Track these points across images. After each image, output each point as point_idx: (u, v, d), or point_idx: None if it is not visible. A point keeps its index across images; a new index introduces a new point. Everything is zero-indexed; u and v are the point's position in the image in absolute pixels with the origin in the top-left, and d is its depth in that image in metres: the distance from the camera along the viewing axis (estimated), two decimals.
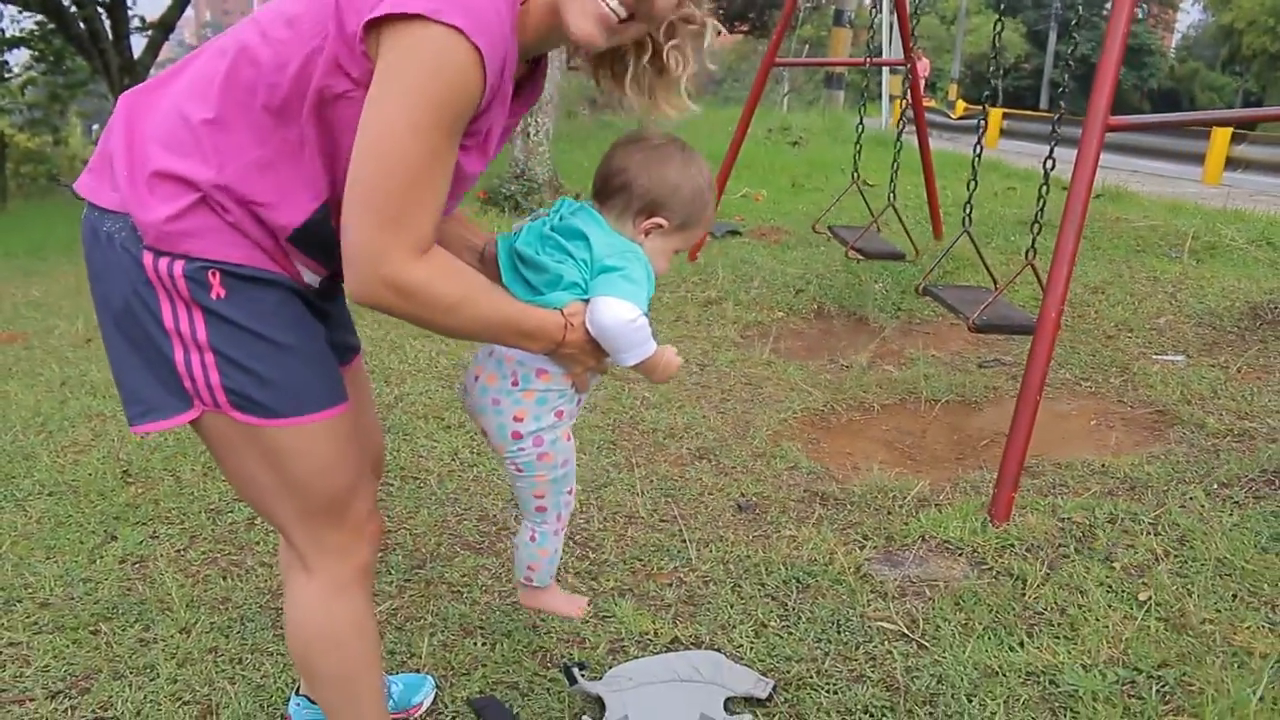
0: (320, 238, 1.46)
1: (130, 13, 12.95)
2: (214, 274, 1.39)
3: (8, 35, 14.83)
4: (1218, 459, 3.49)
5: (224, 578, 2.79)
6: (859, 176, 5.49)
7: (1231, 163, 10.42)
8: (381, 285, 1.35)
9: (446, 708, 2.20)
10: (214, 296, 1.40)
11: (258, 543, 3.00)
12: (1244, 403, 4.07)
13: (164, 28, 12.74)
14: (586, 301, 1.58)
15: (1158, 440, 3.86)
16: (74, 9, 11.95)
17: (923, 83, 5.83)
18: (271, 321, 1.46)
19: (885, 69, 14.74)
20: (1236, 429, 3.81)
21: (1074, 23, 4.11)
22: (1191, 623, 2.36)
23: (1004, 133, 15.28)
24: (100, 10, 12.22)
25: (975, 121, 4.43)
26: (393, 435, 3.77)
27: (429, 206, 1.36)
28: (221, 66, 1.39)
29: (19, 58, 16.18)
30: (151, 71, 12.92)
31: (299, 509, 1.58)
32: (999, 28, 4.24)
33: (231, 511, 3.19)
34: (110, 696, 2.26)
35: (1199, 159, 10.77)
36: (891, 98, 18.38)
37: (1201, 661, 2.19)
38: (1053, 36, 44.91)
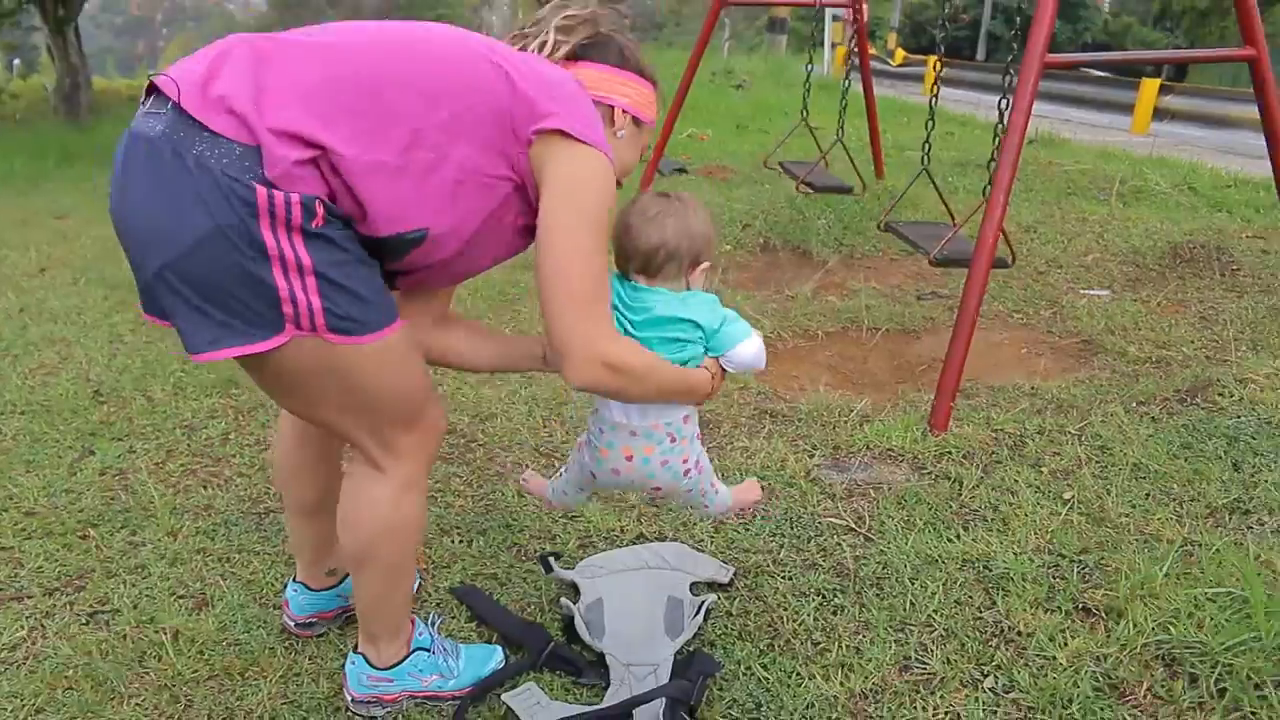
0: (395, 251, 1.62)
1: None
2: (319, 204, 1.49)
3: None
4: (1137, 382, 3.75)
5: (204, 487, 2.91)
6: (807, 115, 5.65)
7: (1159, 113, 10.78)
8: (597, 363, 1.62)
9: (430, 596, 2.36)
10: (315, 225, 1.49)
11: (234, 456, 3.11)
12: (1162, 333, 4.33)
13: None
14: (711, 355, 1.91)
15: (1083, 366, 4.12)
16: None
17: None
18: (356, 246, 1.57)
19: (829, 17, 14.84)
20: (1155, 356, 4.07)
21: None
22: (1110, 516, 2.60)
23: (942, 80, 15.48)
24: None
25: (920, 70, 4.60)
26: None
27: (608, 294, 1.68)
28: (389, 92, 1.54)
29: None
30: (94, 6, 12.62)
31: (376, 419, 1.71)
32: None
33: (205, 428, 3.29)
34: (106, 592, 2.39)
35: (1128, 109, 11.12)
36: (834, 45, 18.53)
37: (1117, 547, 2.43)
38: None
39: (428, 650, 1.98)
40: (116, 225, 1.58)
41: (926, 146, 4.46)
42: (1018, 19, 3.56)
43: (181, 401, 3.49)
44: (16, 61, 30.52)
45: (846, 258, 5.66)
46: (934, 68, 4.68)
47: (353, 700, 1.95)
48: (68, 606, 2.34)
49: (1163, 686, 1.94)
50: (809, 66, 5.67)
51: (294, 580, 2.19)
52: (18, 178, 8.53)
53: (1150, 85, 10.84)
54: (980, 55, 38.62)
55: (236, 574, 2.46)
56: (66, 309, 4.49)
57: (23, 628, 2.25)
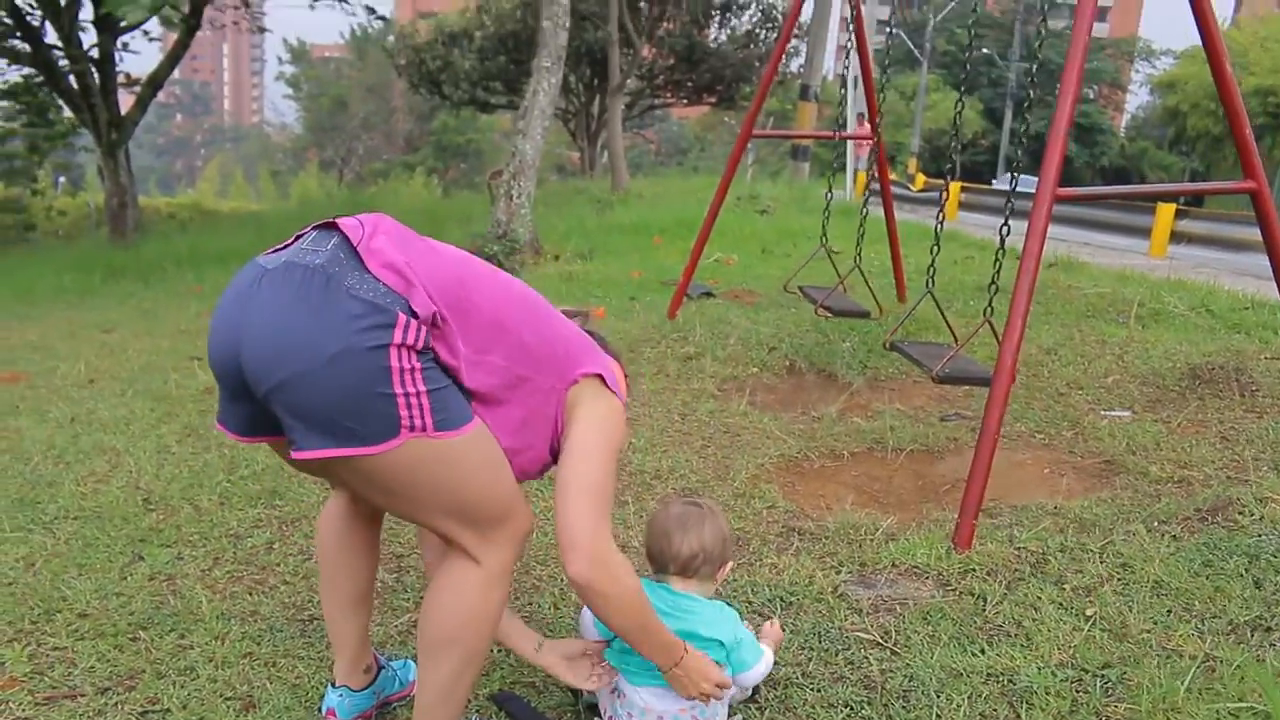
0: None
1: (116, 69, 13.25)
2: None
3: None
4: (1158, 501, 3.81)
5: (250, 594, 3.01)
6: (826, 241, 5.85)
7: (1176, 236, 11.00)
8: (595, 560, 1.83)
9: (470, 703, 2.43)
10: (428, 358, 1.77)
11: (278, 564, 3.22)
12: (1183, 453, 4.40)
13: (153, 85, 13.04)
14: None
15: (1105, 486, 4.18)
16: (65, 64, 12.22)
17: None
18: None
19: (850, 143, 15.29)
20: (1176, 476, 4.13)
21: (1027, 104, 4.47)
22: (1131, 632, 2.65)
23: (962, 205, 15.91)
24: (90, 66, 12.49)
25: (936, 194, 4.83)
26: None
27: (610, 510, 1.94)
28: (505, 325, 1.91)
29: None
30: (138, 129, 13.27)
31: (474, 512, 1.90)
32: (960, 107, 4.63)
33: (251, 537, 3.41)
34: (156, 693, 2.47)
35: (1146, 233, 11.35)
36: (856, 170, 19.04)
37: (1139, 662, 2.48)
38: (1008, 114, 46.43)
39: None
40: (232, 337, 1.75)
41: (931, 270, 4.63)
42: (1018, 148, 3.74)
43: (228, 511, 3.62)
44: (63, 180, 31.73)
45: (871, 380, 5.78)
46: (929, 189, 4.89)
47: None
48: (119, 706, 2.42)
49: None
50: (828, 194, 5.90)
51: (334, 685, 2.28)
52: (68, 292, 8.86)
53: (1166, 210, 11.09)
54: (999, 179, 39.45)
55: (282, 678, 2.54)
56: (115, 419, 4.66)
57: None
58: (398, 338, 1.70)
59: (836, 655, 2.62)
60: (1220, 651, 2.52)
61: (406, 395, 1.72)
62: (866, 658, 2.60)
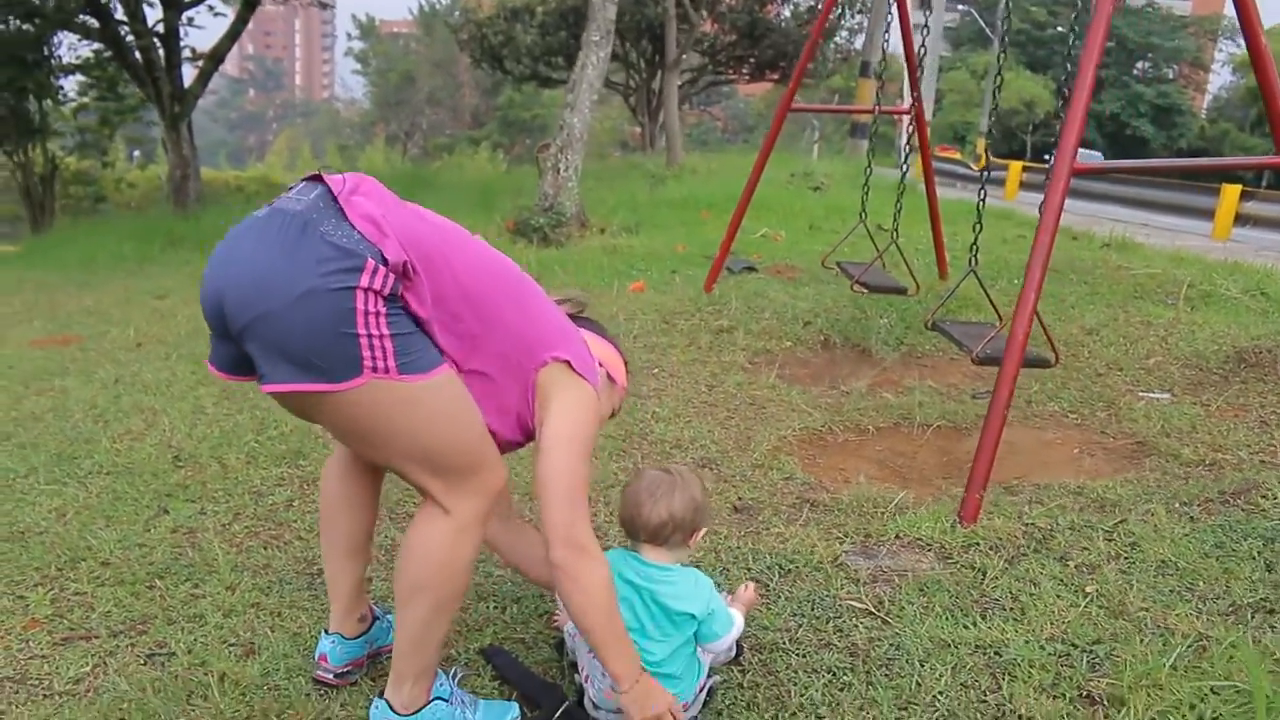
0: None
1: (181, 44, 13.55)
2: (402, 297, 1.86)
3: (65, 62, 15.54)
4: (1186, 484, 3.75)
5: (265, 548, 3.11)
6: (865, 216, 5.80)
7: (1240, 219, 10.69)
8: (570, 544, 1.96)
9: (459, 656, 2.50)
10: (396, 305, 1.84)
11: (295, 521, 3.31)
12: (1219, 437, 4.31)
13: (215, 59, 13.31)
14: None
15: (1133, 467, 4.12)
16: (131, 39, 12.53)
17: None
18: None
19: (905, 118, 15.07)
20: (1209, 459, 4.05)
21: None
22: (1129, 609, 2.63)
23: (1023, 185, 15.60)
24: (155, 40, 12.80)
25: (1003, 174, 4.76)
26: None
27: (586, 495, 2.05)
28: (473, 297, 1.98)
29: (72, 83, 16.92)
30: (199, 100, 13.57)
31: (440, 461, 1.96)
32: (999, 80, 4.56)
33: (272, 494, 3.51)
34: (165, 637, 2.57)
35: (1210, 214, 11.04)
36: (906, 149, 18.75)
37: (1130, 639, 2.46)
38: None
39: (446, 700, 2.12)
40: (217, 278, 1.85)
41: (974, 248, 4.56)
42: (1058, 124, 3.67)
43: (253, 469, 3.72)
44: (137, 153, 32.49)
45: (905, 356, 5.74)
46: (990, 168, 4.81)
47: None
48: (130, 647, 2.53)
49: None
50: (868, 170, 5.85)
51: (328, 632, 2.35)
52: (127, 260, 9.11)
53: (1231, 191, 10.77)
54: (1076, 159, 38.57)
55: (285, 627, 2.63)
56: (158, 381, 4.80)
57: (88, 664, 2.44)
58: (364, 281, 1.77)
59: (827, 623, 2.63)
60: (1215, 631, 2.49)
61: (370, 337, 1.79)
62: (856, 626, 2.61)
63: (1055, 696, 2.24)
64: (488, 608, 2.73)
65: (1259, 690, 2.03)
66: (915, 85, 5.94)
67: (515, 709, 2.22)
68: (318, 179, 1.92)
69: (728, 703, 2.28)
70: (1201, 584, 2.78)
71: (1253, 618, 2.59)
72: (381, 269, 1.79)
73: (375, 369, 1.81)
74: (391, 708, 2.08)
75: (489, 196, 10.69)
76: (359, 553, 2.33)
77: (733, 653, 2.45)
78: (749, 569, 2.96)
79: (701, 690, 2.24)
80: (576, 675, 2.32)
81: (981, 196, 4.74)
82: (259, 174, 33.63)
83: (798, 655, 2.48)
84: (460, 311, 1.95)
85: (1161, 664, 2.26)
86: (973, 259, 4.56)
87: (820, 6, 21.63)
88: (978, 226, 4.56)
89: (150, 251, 9.62)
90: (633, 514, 2.19)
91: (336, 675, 2.35)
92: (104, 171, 18.84)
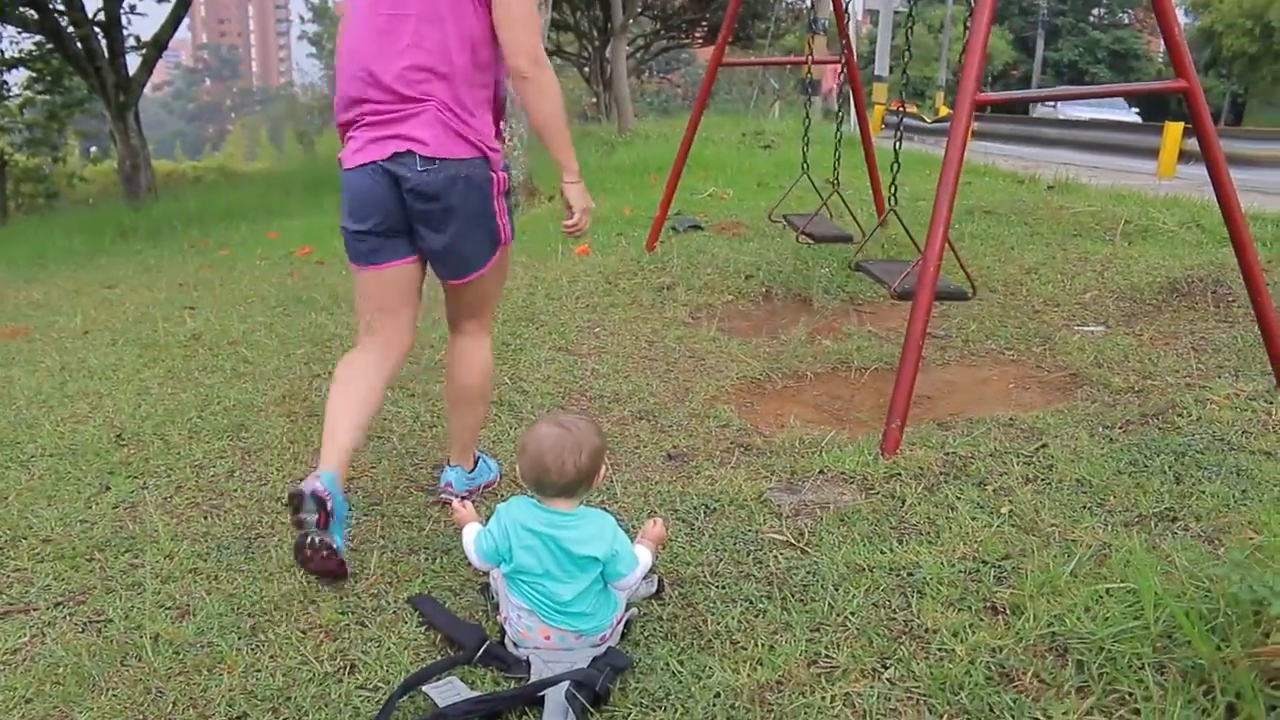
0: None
1: (125, 32, 13.41)
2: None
3: (7, 56, 15.30)
4: (1113, 410, 3.85)
5: (205, 518, 3.16)
6: (807, 167, 5.86)
7: (1184, 155, 10.82)
8: (536, 61, 2.62)
9: (389, 606, 2.56)
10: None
11: (235, 490, 3.36)
12: (1149, 364, 4.42)
13: (158, 45, 13.14)
14: None
15: (1066, 398, 4.22)
16: (71, 29, 12.37)
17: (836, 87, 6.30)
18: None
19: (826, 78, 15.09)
20: (1137, 386, 4.16)
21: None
22: (1040, 526, 2.73)
23: (975, 134, 15.66)
24: (96, 30, 12.64)
25: (934, 124, 4.83)
26: None
27: (540, 24, 2.81)
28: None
29: (18, 78, 16.70)
30: (154, 93, 13.42)
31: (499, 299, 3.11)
32: (911, 23, 4.62)
33: (214, 466, 3.55)
34: (103, 606, 2.63)
35: (1155, 153, 11.18)
36: (872, 104, 18.79)
37: (1037, 553, 2.55)
38: (1040, 43, 45.52)
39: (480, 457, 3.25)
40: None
41: (894, 188, 4.64)
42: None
43: (195, 444, 3.76)
44: (94, 149, 32.11)
45: (846, 304, 5.82)
46: (944, 119, 4.86)
47: (458, 496, 2.99)
48: (68, 618, 2.58)
49: (1049, 673, 2.06)
50: (807, 121, 5.90)
51: (452, 465, 3.17)
52: (78, 253, 9.07)
53: (1174, 129, 10.91)
54: (1036, 111, 38.83)
55: (221, 589, 2.69)
56: (103, 366, 4.82)
57: (25, 635, 2.50)
58: (496, 188, 2.86)
59: (747, 555, 2.71)
60: (1117, 540, 2.59)
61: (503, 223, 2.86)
62: (776, 557, 2.69)
63: (961, 609, 2.33)
64: (418, 559, 2.80)
65: (1147, 589, 2.12)
66: (844, 33, 5.99)
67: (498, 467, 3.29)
68: None
69: (645, 634, 2.36)
70: (1112, 499, 2.88)
71: (1156, 526, 2.69)
72: (503, 174, 2.89)
73: (504, 241, 2.89)
74: (465, 471, 3.15)
75: None
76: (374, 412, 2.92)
77: (653, 588, 2.53)
78: (675, 510, 3.04)
79: (619, 623, 2.32)
80: (497, 616, 2.39)
81: (898, 138, 4.81)
82: (216, 164, 33.32)
83: (717, 587, 2.56)
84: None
85: (1062, 572, 2.36)
86: (892, 199, 4.63)
87: None
88: (895, 166, 4.64)
89: (101, 244, 9.58)
90: (538, 476, 2.25)
91: (461, 498, 2.86)
92: (56, 167, 18.66)
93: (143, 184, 12.96)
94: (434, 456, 3.58)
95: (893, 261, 4.96)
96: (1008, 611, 2.29)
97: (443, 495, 3.10)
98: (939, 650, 2.18)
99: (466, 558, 2.44)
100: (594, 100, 24.79)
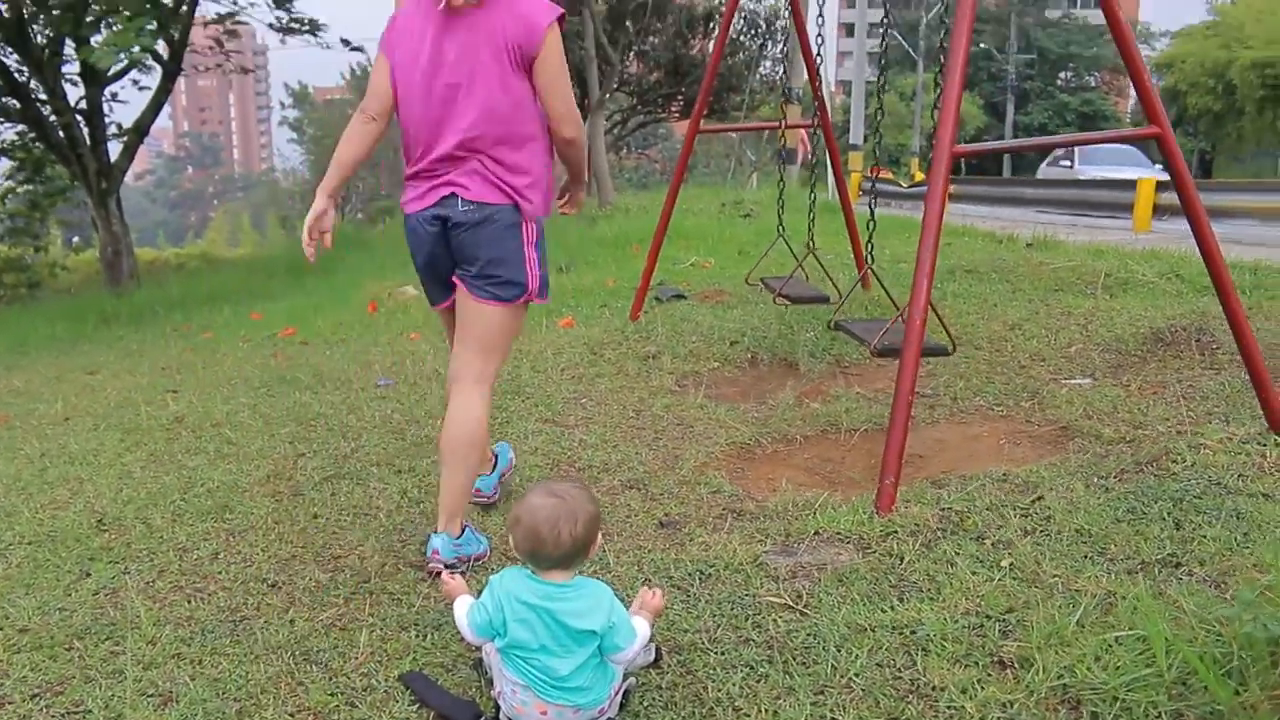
0: None
1: (107, 120, 13.49)
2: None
3: None
4: (1106, 460, 3.82)
5: (188, 601, 3.08)
6: (784, 229, 5.90)
7: (1159, 210, 10.95)
8: (576, 126, 3.13)
9: (380, 686, 2.49)
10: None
11: (220, 573, 3.28)
12: (1138, 414, 4.41)
13: (140, 132, 13.22)
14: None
15: (1058, 451, 4.19)
16: (53, 118, 12.43)
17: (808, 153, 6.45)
18: None
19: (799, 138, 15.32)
20: (1128, 436, 4.14)
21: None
22: (1042, 577, 2.68)
23: (951, 197, 15.88)
24: (79, 118, 12.71)
25: (910, 188, 4.91)
26: (347, 481, 4.07)
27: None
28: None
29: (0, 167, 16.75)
30: (136, 181, 13.51)
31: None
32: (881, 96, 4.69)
33: (198, 549, 3.47)
34: (82, 696, 2.54)
35: (1130, 208, 11.31)
36: (849, 172, 19.04)
37: (1041, 604, 2.50)
38: (1010, 108, 46.41)
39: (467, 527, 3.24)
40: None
41: (869, 246, 4.68)
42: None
43: (178, 527, 3.69)
44: (75, 239, 32.18)
45: (832, 366, 5.80)
46: (920, 184, 4.91)
47: (446, 565, 3.01)
48: (45, 710, 2.49)
49: None
50: (781, 184, 5.95)
51: (438, 531, 3.18)
52: (60, 339, 9.01)
53: (1147, 184, 11.06)
54: (1006, 173, 39.42)
55: (205, 674, 2.60)
56: (84, 451, 4.75)
57: None
58: (525, 235, 3.22)
59: (745, 620, 2.65)
60: (1122, 588, 2.54)
61: (532, 271, 3.22)
62: (775, 620, 2.63)
63: (967, 665, 2.28)
64: (409, 636, 2.73)
65: (1157, 635, 2.08)
66: (819, 96, 6.07)
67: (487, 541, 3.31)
68: None
69: (645, 704, 2.29)
70: (1112, 547, 2.84)
71: (1160, 572, 2.65)
72: (533, 225, 3.28)
73: (530, 291, 3.23)
74: (452, 537, 3.13)
75: None
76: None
77: (650, 656, 2.46)
78: (670, 577, 2.98)
79: (616, 694, 2.25)
80: (491, 691, 2.32)
81: (872, 200, 4.86)
82: (199, 250, 33.41)
83: (716, 653, 2.50)
84: None
85: (1068, 622, 2.31)
86: (868, 256, 4.66)
87: (741, 40, 22.07)
88: (871, 224, 4.67)
89: (83, 330, 9.53)
90: (534, 549, 2.20)
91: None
92: (38, 257, 18.64)
93: (125, 270, 12.93)
94: (422, 532, 3.51)
95: (872, 320, 4.97)
96: (1016, 665, 2.24)
97: (431, 565, 3.07)
98: (948, 708, 2.12)
99: (458, 632, 2.37)
100: None
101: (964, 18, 3.23)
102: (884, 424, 4.71)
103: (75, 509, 3.93)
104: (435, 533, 3.14)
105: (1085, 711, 2.02)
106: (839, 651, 2.42)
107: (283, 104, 58.04)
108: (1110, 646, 2.18)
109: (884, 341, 4.14)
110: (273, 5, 13.79)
